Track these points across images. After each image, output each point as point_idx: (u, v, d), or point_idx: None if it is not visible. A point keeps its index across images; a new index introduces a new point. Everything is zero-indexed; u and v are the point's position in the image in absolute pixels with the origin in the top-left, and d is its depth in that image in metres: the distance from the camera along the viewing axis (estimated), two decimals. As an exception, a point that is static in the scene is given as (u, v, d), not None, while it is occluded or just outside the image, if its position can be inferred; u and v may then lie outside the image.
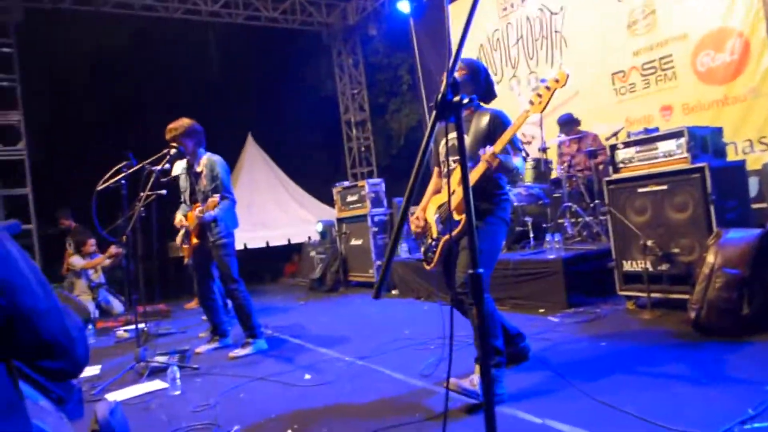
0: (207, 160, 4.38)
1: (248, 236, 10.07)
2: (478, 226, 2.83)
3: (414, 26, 9.86)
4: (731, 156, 5.58)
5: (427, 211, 3.09)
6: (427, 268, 3.06)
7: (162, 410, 3.10)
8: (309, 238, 9.63)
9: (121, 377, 3.88)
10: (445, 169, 3.04)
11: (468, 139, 2.90)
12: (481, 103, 3.01)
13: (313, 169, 13.08)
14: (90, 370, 4.30)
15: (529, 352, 3.17)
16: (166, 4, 9.37)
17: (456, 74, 2.90)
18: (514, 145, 2.87)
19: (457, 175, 2.83)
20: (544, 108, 2.68)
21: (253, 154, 11.46)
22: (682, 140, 3.76)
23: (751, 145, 5.56)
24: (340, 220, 7.92)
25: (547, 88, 2.61)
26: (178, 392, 3.43)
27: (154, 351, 4.57)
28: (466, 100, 1.25)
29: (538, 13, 7.74)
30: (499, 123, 2.85)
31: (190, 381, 3.68)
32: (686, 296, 3.54)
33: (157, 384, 3.64)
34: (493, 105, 3.08)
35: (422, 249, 3.10)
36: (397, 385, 3.09)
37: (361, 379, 3.30)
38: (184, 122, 4.38)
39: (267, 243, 10.12)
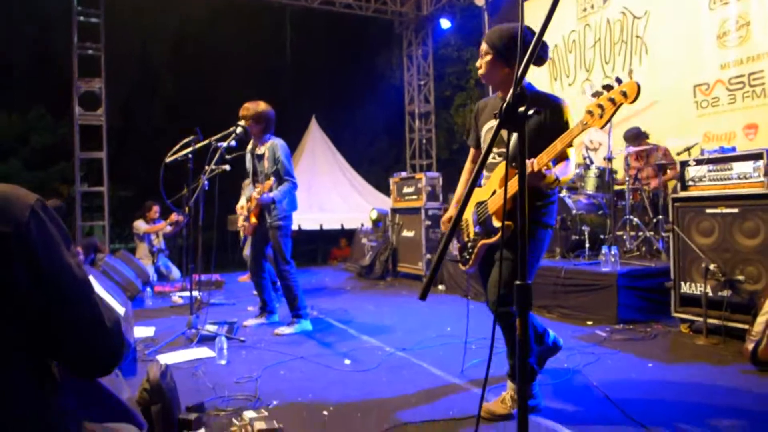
0: (270, 143, 4.54)
1: (303, 217, 10.36)
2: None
3: (488, 21, 9.74)
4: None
5: (467, 207, 2.70)
6: (463, 269, 2.85)
7: (208, 377, 3.27)
8: (362, 224, 9.78)
9: (173, 341, 4.11)
10: (488, 160, 2.63)
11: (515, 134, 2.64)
12: (533, 85, 2.68)
13: (374, 157, 13.25)
14: (145, 331, 4.59)
15: (560, 345, 2.88)
16: (246, -16, 9.66)
17: (481, 62, 2.63)
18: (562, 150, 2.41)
19: (499, 172, 2.59)
20: (606, 124, 2.23)
21: (315, 137, 11.72)
22: (761, 163, 3.58)
23: (841, 173, 5.19)
24: (394, 210, 8.00)
25: (611, 100, 2.14)
26: (224, 362, 3.61)
27: (205, 319, 4.83)
28: (531, 111, 1.26)
29: (620, 17, 7.47)
30: (553, 113, 2.47)
31: (236, 352, 3.86)
32: (746, 326, 3.39)
33: (205, 351, 3.84)
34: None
35: (458, 246, 2.88)
36: (434, 380, 3.14)
37: (400, 370, 3.37)
38: (260, 106, 4.54)
39: (321, 226, 10.37)
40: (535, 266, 2.71)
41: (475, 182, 1.44)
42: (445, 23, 10.52)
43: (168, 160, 4.18)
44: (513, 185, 2.36)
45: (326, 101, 12.90)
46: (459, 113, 12.50)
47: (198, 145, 4.27)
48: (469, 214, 2.78)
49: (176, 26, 12.59)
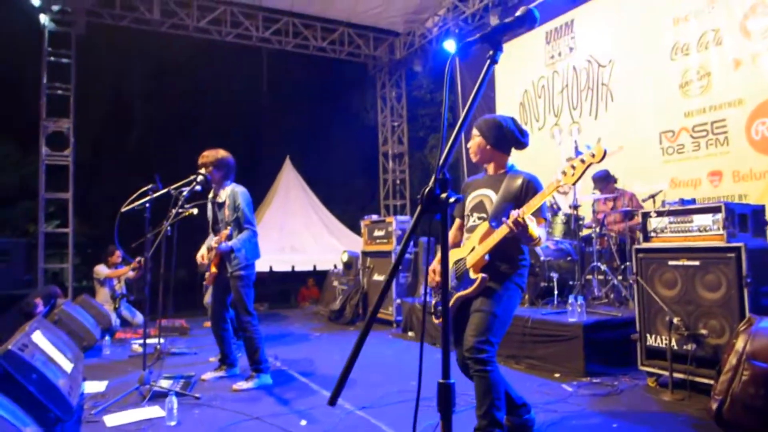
0: (230, 190, 4.46)
1: (275, 258, 10.19)
2: (495, 289, 2.78)
3: (459, 65, 9.93)
4: (778, 231, 5.33)
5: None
6: (436, 322, 3.06)
7: (153, 441, 3.10)
8: (335, 266, 9.65)
9: (123, 398, 3.91)
10: (468, 224, 3.03)
11: (496, 199, 2.89)
12: (515, 166, 3.03)
13: (348, 197, 13.22)
14: (96, 386, 4.38)
15: (533, 427, 3.03)
16: (219, 28, 9.74)
17: (473, 144, 2.98)
18: (539, 214, 2.78)
19: (479, 231, 2.84)
20: (576, 181, 2.59)
21: (289, 177, 11.66)
22: (719, 216, 3.60)
23: (801, 221, 5.28)
24: (365, 254, 7.92)
25: (582, 161, 2.50)
26: (173, 423, 3.43)
27: (160, 372, 4.63)
28: (452, 199, 1.22)
29: (586, 65, 7.67)
30: (531, 188, 2.81)
31: (188, 411, 3.68)
32: (711, 381, 3.34)
33: (156, 411, 3.66)
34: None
35: (433, 301, 3.09)
36: (391, 445, 3.01)
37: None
38: (219, 153, 4.49)
39: (293, 267, 10.21)
40: (508, 324, 2.88)
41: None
42: (417, 67, 10.70)
43: (124, 209, 4.07)
44: (489, 243, 2.74)
45: (301, 142, 12.93)
46: (433, 154, 12.62)
47: (156, 194, 4.17)
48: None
49: (151, 65, 12.58)
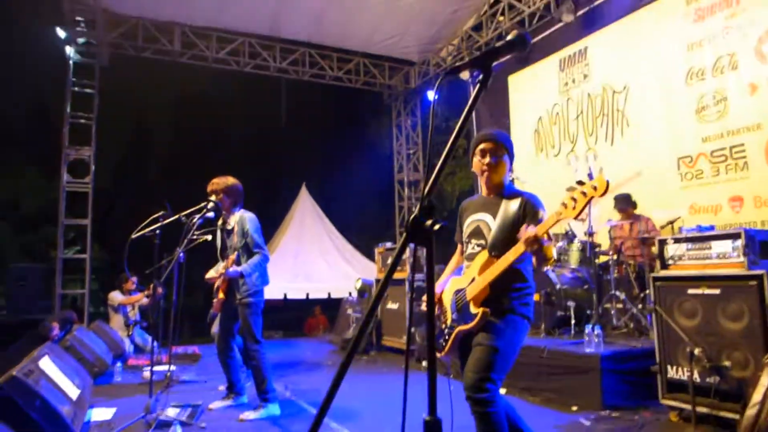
0: (239, 216, 4.46)
1: (290, 286, 10.16)
2: (497, 323, 2.59)
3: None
4: (803, 259, 5.14)
5: (444, 294, 2.87)
6: (439, 356, 2.79)
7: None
8: (349, 294, 9.57)
9: (129, 426, 3.86)
10: (467, 251, 2.84)
11: (495, 225, 2.71)
12: (514, 183, 2.88)
13: (363, 225, 13.21)
14: (103, 413, 4.33)
15: None
16: (237, 58, 9.93)
17: (484, 161, 2.82)
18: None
19: (479, 260, 2.67)
20: (578, 215, 2.41)
21: (305, 205, 11.71)
22: (739, 242, 3.47)
23: (828, 249, 5.09)
24: (378, 281, 7.83)
25: (584, 193, 2.33)
26: (177, 453, 3.36)
27: (168, 400, 4.56)
28: (437, 227, 1.17)
29: (600, 91, 7.62)
30: (530, 208, 2.63)
31: (193, 441, 3.61)
32: (736, 416, 3.18)
33: (160, 440, 3.59)
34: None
35: (436, 332, 2.87)
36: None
37: (363, 466, 3.12)
38: (228, 180, 4.51)
39: (307, 295, 10.16)
40: (512, 358, 2.64)
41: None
42: (431, 95, 10.75)
43: (134, 236, 4.08)
44: (491, 273, 2.56)
45: (317, 169, 13.03)
46: (448, 181, 12.60)
47: (166, 221, 4.18)
48: (447, 302, 2.81)
49: (171, 95, 12.87)
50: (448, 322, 2.78)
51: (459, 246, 3.03)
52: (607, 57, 7.55)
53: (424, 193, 1.20)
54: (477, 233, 2.78)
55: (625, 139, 7.26)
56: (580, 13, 7.71)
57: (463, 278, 2.76)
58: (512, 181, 2.87)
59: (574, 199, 2.34)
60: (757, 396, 2.96)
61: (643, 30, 7.01)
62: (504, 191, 2.78)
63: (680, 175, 6.50)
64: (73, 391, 3.85)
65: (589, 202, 2.32)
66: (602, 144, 7.58)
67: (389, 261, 7.60)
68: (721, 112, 6.07)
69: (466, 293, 2.66)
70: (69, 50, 9.08)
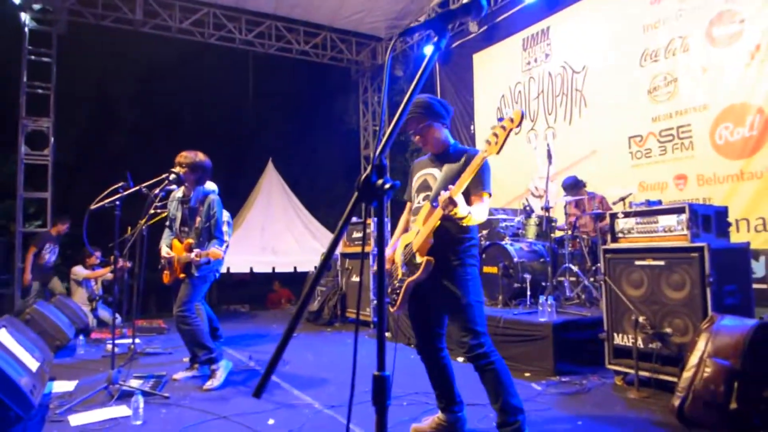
0: (209, 199, 4.36)
1: (256, 260, 10.07)
2: (455, 282, 2.69)
3: (439, 70, 9.93)
4: (743, 233, 5.38)
5: (396, 252, 2.93)
6: (391, 310, 2.89)
7: (116, 441, 2.99)
8: (314, 268, 9.54)
9: (91, 397, 3.79)
10: (414, 205, 2.98)
11: (439, 177, 2.81)
12: (458, 144, 2.95)
13: (330, 200, 13.12)
14: (64, 386, 4.25)
15: (465, 426, 2.96)
16: (202, 29, 9.61)
17: (414, 138, 2.87)
18: (479, 188, 2.69)
19: (423, 212, 2.75)
20: (500, 148, 2.48)
21: (271, 180, 11.53)
22: (683, 217, 3.60)
23: (764, 223, 5.33)
24: (344, 255, 7.84)
25: (503, 127, 2.44)
26: (139, 422, 3.33)
27: (130, 372, 4.50)
28: (388, 185, 1.16)
29: (561, 71, 7.69)
30: (471, 159, 2.67)
31: (155, 410, 3.58)
32: (675, 379, 3.33)
33: (122, 410, 3.54)
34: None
35: (389, 290, 2.94)
36: (356, 443, 2.94)
37: (323, 431, 3.15)
38: (198, 155, 4.39)
39: (273, 269, 10.09)
40: (482, 304, 2.81)
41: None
42: (398, 72, 10.68)
43: (93, 207, 3.94)
44: (431, 225, 2.64)
45: (284, 144, 12.81)
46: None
47: (126, 192, 4.05)
48: (398, 257, 2.89)
49: (135, 66, 12.39)
50: (399, 275, 2.85)
51: (408, 204, 3.10)
52: (568, 37, 7.61)
53: (375, 153, 1.18)
54: (425, 187, 2.90)
55: (583, 119, 7.38)
56: (543, -8, 7.71)
57: (411, 233, 2.83)
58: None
59: (496, 135, 2.46)
60: (693, 359, 3.11)
61: (603, 11, 7.08)
62: (449, 148, 2.90)
63: (631, 154, 6.67)
64: (32, 364, 3.75)
65: (508, 134, 2.44)
66: (561, 123, 7.69)
67: (354, 235, 7.62)
68: (671, 93, 6.22)
69: (412, 245, 2.75)
70: (24, 17, 8.61)
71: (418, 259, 2.69)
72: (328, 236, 11.22)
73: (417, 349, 2.97)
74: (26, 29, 8.68)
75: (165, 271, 4.50)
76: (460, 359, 6.37)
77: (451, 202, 2.44)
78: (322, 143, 12.78)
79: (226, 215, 5.57)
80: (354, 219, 8.00)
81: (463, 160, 2.75)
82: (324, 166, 13.06)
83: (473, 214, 2.58)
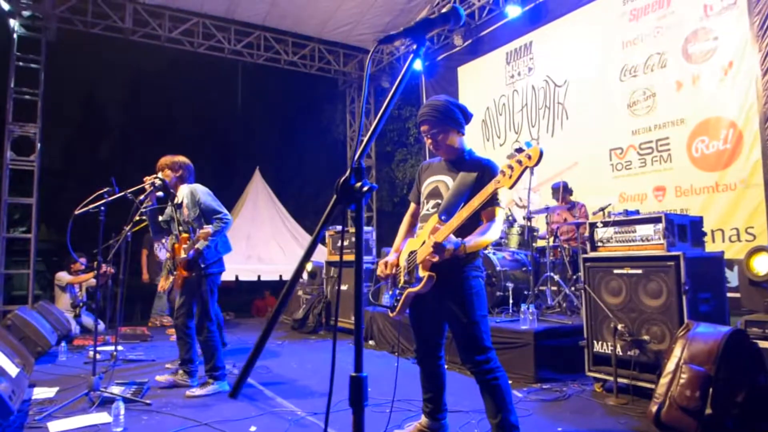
0: (186, 189, 4.30)
1: (241, 268, 9.97)
2: (461, 297, 2.60)
3: (425, 83, 10.00)
4: (718, 243, 5.46)
5: (401, 255, 2.83)
6: (391, 315, 2.80)
7: (95, 448, 2.93)
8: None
9: (71, 404, 3.71)
10: (422, 211, 2.85)
11: (452, 186, 2.68)
12: (473, 150, 2.83)
13: (317, 209, 13.08)
14: (45, 392, 4.15)
15: None
16: (191, 39, 9.58)
17: (428, 142, 2.82)
18: (491, 202, 2.53)
19: (430, 223, 2.63)
20: (514, 183, 2.39)
21: (258, 188, 11.49)
22: (660, 226, 3.64)
23: (738, 234, 5.42)
24: (329, 263, 7.80)
25: (519, 162, 2.33)
26: (120, 429, 3.26)
27: (112, 379, 4.42)
28: (366, 188, 1.16)
29: (543, 84, 7.78)
30: (489, 174, 2.59)
31: (136, 417, 3.51)
32: (653, 385, 3.35)
33: (103, 417, 3.47)
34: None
35: (387, 294, 2.87)
36: (338, 450, 2.91)
37: (305, 437, 3.12)
38: (176, 157, 4.36)
39: (258, 277, 10.00)
40: (487, 317, 2.72)
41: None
42: (385, 83, 10.73)
43: (78, 212, 3.88)
44: (439, 236, 2.50)
45: (272, 154, 12.79)
46: (400, 168, 12.64)
47: (111, 198, 4.00)
48: (402, 263, 2.80)
49: (124, 74, 12.31)
50: (401, 282, 2.77)
51: (412, 206, 3.02)
52: (550, 52, 7.71)
53: (355, 157, 1.18)
54: (435, 194, 2.77)
55: (565, 131, 7.46)
56: (526, 8, 7.82)
57: (417, 240, 2.73)
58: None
59: (511, 168, 2.36)
60: (670, 365, 3.14)
61: (584, 27, 7.19)
62: (464, 155, 2.78)
63: (612, 166, 6.75)
64: (11, 369, 3.67)
65: (524, 171, 2.34)
66: (544, 135, 7.76)
67: (339, 244, 7.59)
68: (650, 107, 6.32)
69: (417, 256, 2.65)
70: (13, 23, 8.52)
71: (421, 272, 2.62)
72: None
73: (416, 355, 2.92)
74: (15, 35, 8.59)
75: (170, 276, 4.40)
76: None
77: (438, 250, 2.43)
78: (310, 152, 12.77)
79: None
80: (338, 227, 7.98)
81: (476, 174, 2.62)
82: (311, 175, 13.04)
83: (481, 238, 2.53)
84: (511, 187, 2.43)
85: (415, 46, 1.35)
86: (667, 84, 6.13)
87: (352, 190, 1.14)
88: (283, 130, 13.42)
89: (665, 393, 3.08)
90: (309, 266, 8.52)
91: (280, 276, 10.03)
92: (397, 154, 12.82)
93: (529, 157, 2.32)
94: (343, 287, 7.38)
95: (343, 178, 1.16)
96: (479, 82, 8.98)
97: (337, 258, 7.65)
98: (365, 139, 1.23)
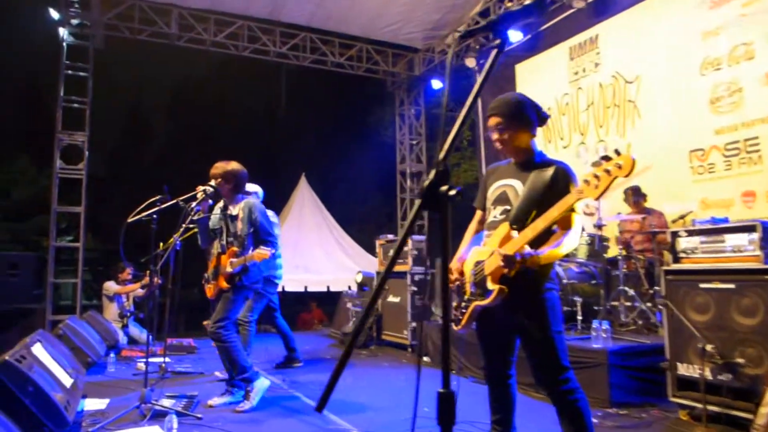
0: (245, 203, 4.43)
1: (288, 278, 10.10)
2: (534, 308, 2.52)
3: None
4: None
5: (466, 265, 2.74)
6: (455, 328, 2.73)
7: (149, 462, 3.02)
8: (348, 287, 9.55)
9: (123, 416, 3.85)
10: (489, 218, 2.76)
11: (522, 192, 2.61)
12: (544, 152, 2.74)
13: (364, 216, 13.18)
14: (96, 404, 4.33)
15: None
16: (236, 42, 9.88)
17: (494, 137, 2.76)
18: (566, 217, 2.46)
19: (500, 232, 2.56)
20: (601, 195, 2.28)
21: (304, 195, 11.68)
22: (755, 235, 3.45)
23: (844, 245, 5.07)
24: (379, 274, 7.82)
25: (607, 172, 2.20)
26: (172, 443, 3.36)
27: (162, 391, 4.56)
28: (453, 192, 1.14)
29: (612, 81, 7.57)
30: (563, 178, 2.50)
31: (188, 431, 3.60)
32: (749, 415, 3.17)
33: (155, 430, 3.58)
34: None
35: (454, 304, 2.76)
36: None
37: (363, 459, 3.12)
38: (229, 165, 4.46)
39: (305, 288, 10.14)
40: (564, 333, 2.63)
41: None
42: (436, 84, 10.70)
43: (130, 220, 4.05)
44: (510, 248, 2.44)
45: (318, 159, 12.99)
46: (453, 173, 12.55)
47: (164, 206, 4.15)
48: (468, 274, 2.71)
49: (169, 79, 12.82)
50: (467, 295, 2.70)
51: (478, 213, 2.94)
52: (619, 45, 7.49)
53: (440, 158, 1.17)
54: (503, 199, 2.69)
55: (637, 131, 7.22)
56: (591, -1, 7.64)
57: (485, 249, 2.64)
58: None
59: (597, 177, 2.22)
60: (771, 393, 2.96)
61: (657, 17, 6.95)
62: (534, 158, 2.70)
63: (691, 169, 6.47)
64: (66, 379, 3.85)
65: (612, 181, 2.21)
66: (613, 135, 7.54)
67: (390, 253, 7.60)
68: (736, 104, 6.03)
69: (484, 266, 2.57)
70: (62, 32, 9.02)
71: (490, 285, 2.52)
72: (361, 253, 11.25)
73: (485, 372, 2.86)
74: (64, 44, 9.09)
75: (209, 285, 4.55)
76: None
77: (509, 262, 2.37)
78: (357, 157, 12.88)
79: (273, 217, 5.65)
80: (390, 236, 8.00)
81: (550, 176, 2.54)
82: (358, 182, 13.15)
83: (556, 249, 2.45)
84: (597, 199, 2.33)
85: (498, 41, 1.34)
86: (755, 77, 5.83)
87: (437, 194, 1.12)
88: (329, 134, 13.62)
89: (767, 424, 2.91)
90: (359, 277, 8.57)
91: (328, 287, 10.14)
92: (450, 158, 12.76)
93: (620, 167, 2.18)
94: (395, 299, 7.38)
95: (428, 181, 1.15)
96: (540, 80, 8.82)
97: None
98: (448, 140, 1.21)
